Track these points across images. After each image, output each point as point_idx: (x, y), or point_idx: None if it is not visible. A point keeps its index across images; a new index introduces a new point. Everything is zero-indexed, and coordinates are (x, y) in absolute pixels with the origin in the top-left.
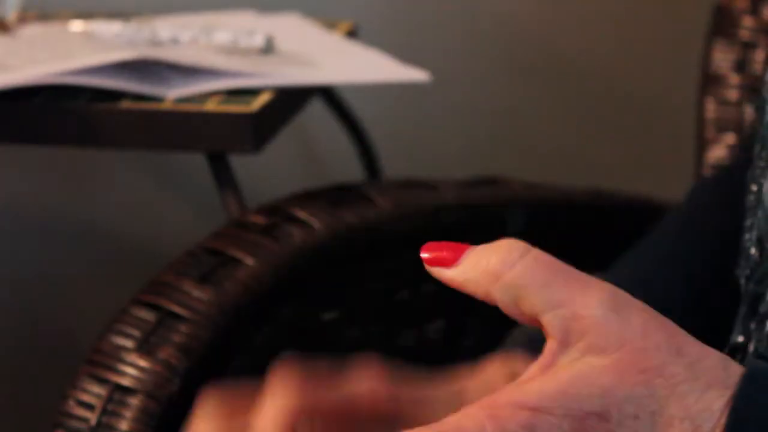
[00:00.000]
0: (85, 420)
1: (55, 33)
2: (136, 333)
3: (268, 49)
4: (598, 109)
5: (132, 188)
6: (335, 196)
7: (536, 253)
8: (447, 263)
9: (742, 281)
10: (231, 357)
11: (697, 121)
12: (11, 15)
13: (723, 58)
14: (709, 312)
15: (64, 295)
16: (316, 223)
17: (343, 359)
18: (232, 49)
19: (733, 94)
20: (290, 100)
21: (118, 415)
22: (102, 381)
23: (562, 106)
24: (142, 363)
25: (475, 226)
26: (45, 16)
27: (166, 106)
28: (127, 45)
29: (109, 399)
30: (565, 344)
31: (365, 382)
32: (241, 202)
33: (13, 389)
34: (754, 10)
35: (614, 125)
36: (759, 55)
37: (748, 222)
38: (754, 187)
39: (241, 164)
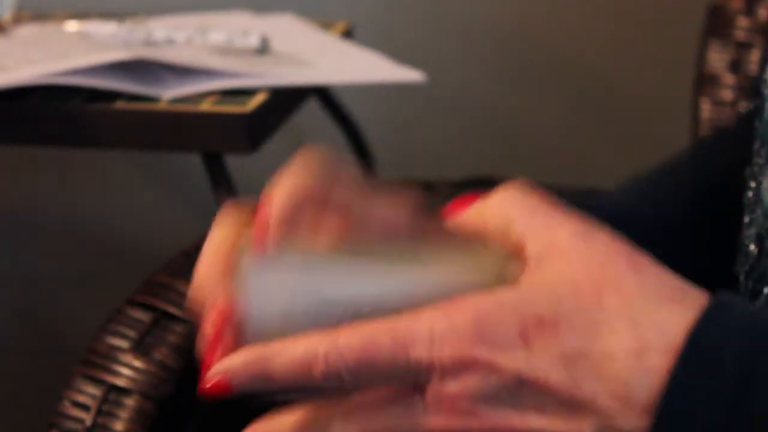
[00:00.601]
0: (80, 420)
1: (50, 33)
2: (131, 333)
3: (264, 49)
4: (592, 108)
5: (127, 188)
6: None
7: (517, 192)
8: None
9: (741, 278)
10: None
11: (692, 120)
12: (6, 15)
13: (718, 59)
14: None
15: (58, 295)
16: None
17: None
18: (227, 50)
19: (728, 94)
20: (285, 101)
21: (113, 415)
22: (97, 381)
23: (557, 106)
24: (137, 363)
25: None
26: (40, 16)
27: (162, 106)
28: (122, 45)
29: (105, 399)
30: (536, 264)
31: (390, 205)
32: None
33: (8, 390)
34: (749, 10)
35: (609, 125)
36: (754, 56)
37: (746, 219)
38: (753, 184)
39: (236, 164)
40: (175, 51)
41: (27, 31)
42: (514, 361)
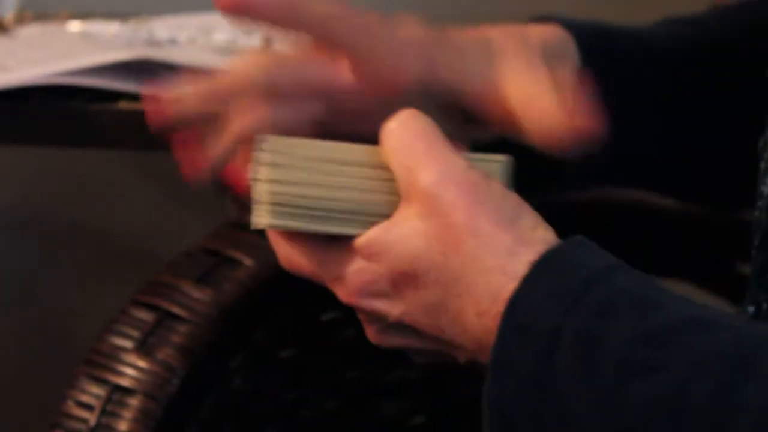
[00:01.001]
0: (84, 421)
1: (53, 33)
2: (135, 333)
3: (267, 48)
4: None
5: (130, 189)
6: None
7: (414, 121)
8: None
9: (753, 251)
10: (230, 357)
11: None
12: (8, 15)
13: None
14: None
15: (62, 295)
16: None
17: None
18: (231, 50)
19: None
20: None
21: (117, 415)
22: (101, 381)
23: None
24: (141, 363)
25: None
26: (42, 16)
27: None
28: (124, 45)
29: (108, 399)
30: (406, 203)
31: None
32: (239, 203)
33: (12, 389)
34: None
35: None
36: None
37: (763, 190)
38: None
39: None
40: (177, 51)
41: (29, 31)
42: (393, 308)
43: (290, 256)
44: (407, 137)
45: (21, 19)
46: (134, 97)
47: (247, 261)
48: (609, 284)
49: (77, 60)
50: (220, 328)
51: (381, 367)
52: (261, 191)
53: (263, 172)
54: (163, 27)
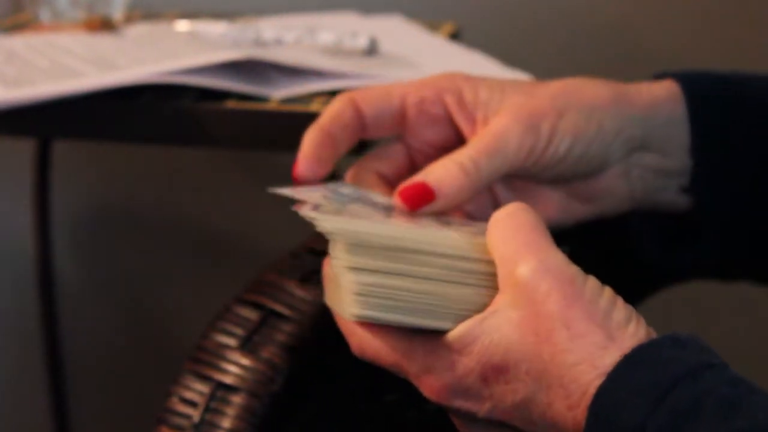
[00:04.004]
0: (188, 417)
1: (161, 33)
2: (239, 331)
3: (372, 50)
4: None
5: (233, 187)
6: None
7: (518, 214)
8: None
9: None
10: (332, 357)
11: None
12: (118, 15)
13: None
14: None
15: (168, 293)
16: None
17: None
18: (336, 50)
19: None
20: None
21: (220, 412)
22: (205, 379)
23: None
24: (245, 361)
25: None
26: (151, 15)
27: (272, 106)
28: (232, 45)
29: (212, 397)
30: (502, 293)
31: None
32: None
33: (118, 386)
34: None
35: None
36: None
37: None
38: None
39: (341, 165)
40: (284, 51)
41: (138, 31)
42: (482, 405)
43: (369, 344)
44: (511, 229)
45: (130, 18)
46: (242, 97)
47: None
48: (696, 384)
49: (186, 59)
50: (323, 327)
51: None
52: (345, 279)
53: (342, 259)
54: (269, 27)
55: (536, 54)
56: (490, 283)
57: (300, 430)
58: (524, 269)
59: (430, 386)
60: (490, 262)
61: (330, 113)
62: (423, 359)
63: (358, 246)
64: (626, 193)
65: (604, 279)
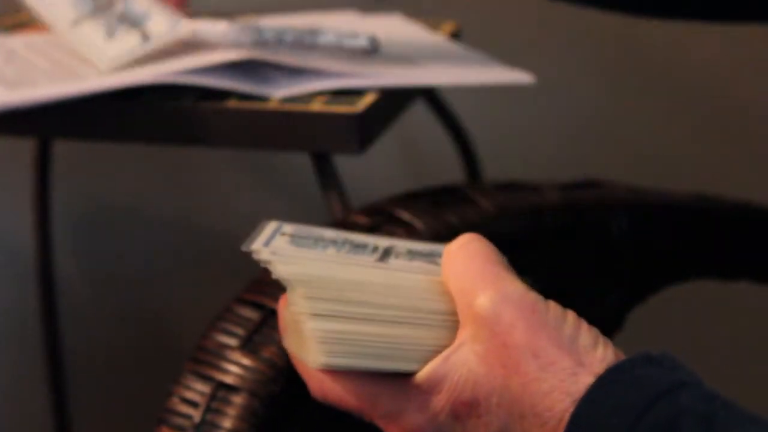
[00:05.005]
0: (188, 417)
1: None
2: (240, 331)
3: (373, 50)
4: (702, 114)
5: (235, 188)
6: (438, 197)
7: (470, 245)
8: None
9: None
10: None
11: None
12: None
13: None
14: None
15: (168, 293)
16: (418, 224)
17: None
18: (337, 50)
19: None
20: (394, 101)
21: (221, 412)
22: (206, 379)
23: (667, 110)
24: (246, 361)
25: (578, 228)
26: None
27: (272, 105)
28: (232, 45)
29: (213, 397)
30: (463, 328)
31: None
32: (345, 203)
33: (118, 385)
34: None
35: (718, 130)
36: None
37: None
38: None
39: (342, 164)
40: (284, 51)
41: None
42: None
43: (331, 390)
44: (464, 260)
45: None
46: (242, 97)
47: None
48: (673, 403)
49: (188, 60)
50: None
51: None
52: (306, 327)
53: (301, 306)
54: (270, 26)
55: (536, 54)
56: (454, 320)
57: (300, 430)
58: (483, 300)
59: (401, 428)
60: (452, 300)
61: None
62: (390, 403)
63: (318, 290)
64: None
65: (604, 280)
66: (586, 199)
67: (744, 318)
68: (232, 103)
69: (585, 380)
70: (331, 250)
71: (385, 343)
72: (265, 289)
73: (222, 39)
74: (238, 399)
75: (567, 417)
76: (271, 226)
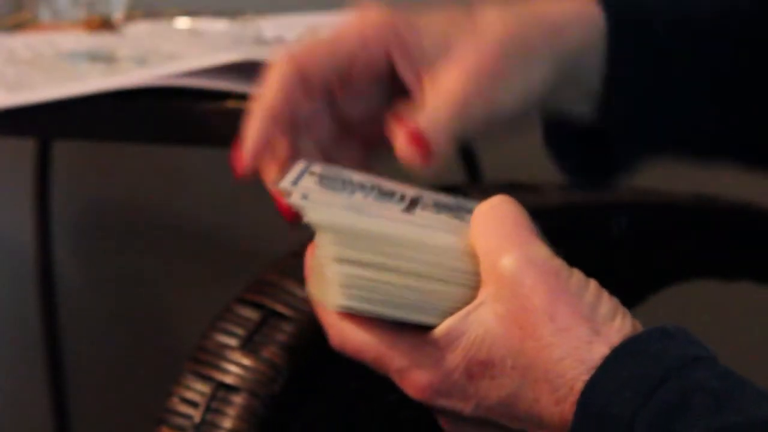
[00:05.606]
0: (188, 417)
1: (161, 31)
2: (240, 332)
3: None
4: None
5: (235, 187)
6: None
7: (501, 206)
8: None
9: None
10: (334, 356)
11: None
12: (118, 14)
13: None
14: None
15: (168, 293)
16: None
17: None
18: None
19: None
20: None
21: (221, 412)
22: (206, 379)
23: None
24: (246, 362)
25: (579, 229)
26: (151, 14)
27: None
28: (232, 43)
29: (213, 397)
30: (485, 286)
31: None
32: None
33: (119, 386)
34: None
35: None
36: None
37: None
38: None
39: None
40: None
41: (138, 29)
42: (467, 403)
43: (351, 337)
44: (493, 221)
45: (130, 17)
46: (241, 97)
47: None
48: (686, 377)
49: (187, 62)
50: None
51: None
52: (330, 270)
53: (328, 250)
54: (270, 26)
55: None
56: (477, 280)
57: (300, 430)
58: (507, 261)
59: (414, 383)
60: (476, 260)
61: (276, 87)
62: (408, 354)
63: (346, 238)
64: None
65: (604, 280)
66: (586, 200)
67: (744, 318)
68: (231, 104)
69: (600, 350)
70: (358, 195)
71: (405, 293)
72: (265, 289)
73: (222, 38)
74: (238, 399)
75: (578, 386)
76: (299, 164)
